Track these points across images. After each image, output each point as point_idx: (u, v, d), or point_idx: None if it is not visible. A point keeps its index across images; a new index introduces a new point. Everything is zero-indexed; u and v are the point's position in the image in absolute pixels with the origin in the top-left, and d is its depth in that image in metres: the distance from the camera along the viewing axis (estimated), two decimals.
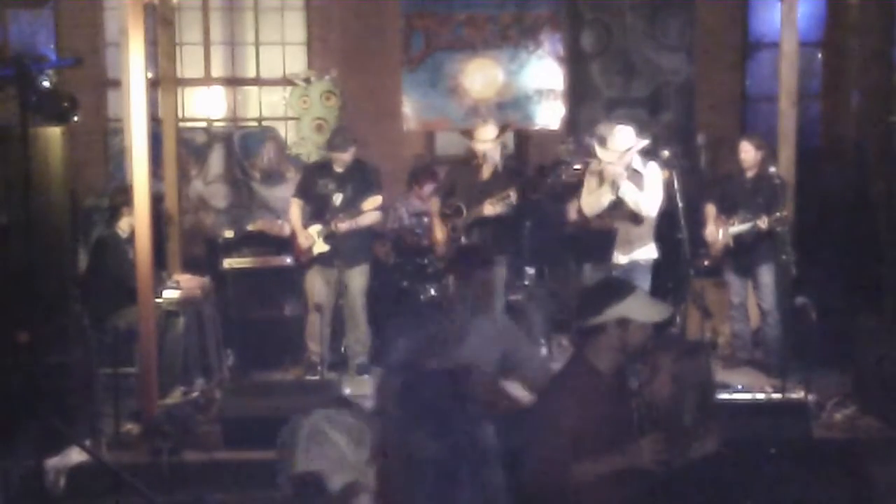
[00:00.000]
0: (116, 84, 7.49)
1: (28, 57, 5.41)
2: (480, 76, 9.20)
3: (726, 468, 3.99)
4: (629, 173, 6.52)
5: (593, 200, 6.70)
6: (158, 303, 6.43)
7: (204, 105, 9.50)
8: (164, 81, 7.60)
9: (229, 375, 7.09)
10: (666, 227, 6.87)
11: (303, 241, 7.07)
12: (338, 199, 7.02)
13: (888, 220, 8.13)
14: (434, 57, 9.18)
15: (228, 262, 7.78)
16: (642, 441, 3.46)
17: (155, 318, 6.15)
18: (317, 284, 7.10)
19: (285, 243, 7.73)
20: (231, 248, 7.98)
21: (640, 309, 3.58)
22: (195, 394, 6.55)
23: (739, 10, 9.61)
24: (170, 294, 6.69)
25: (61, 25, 9.01)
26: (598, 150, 6.64)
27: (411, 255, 7.80)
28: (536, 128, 9.32)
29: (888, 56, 9.07)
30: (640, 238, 6.66)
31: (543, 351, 7.08)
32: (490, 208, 6.83)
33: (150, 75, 6.11)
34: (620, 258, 6.70)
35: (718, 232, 7.14)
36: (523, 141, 9.57)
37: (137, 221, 5.91)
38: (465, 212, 6.99)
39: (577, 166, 7.41)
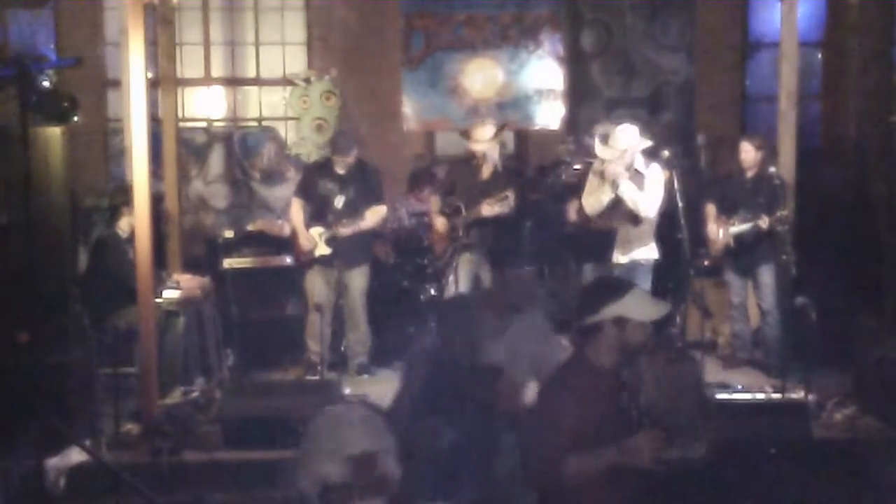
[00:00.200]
0: (116, 84, 7.50)
1: (28, 57, 5.43)
2: (480, 76, 9.20)
3: (716, 472, 3.98)
4: (631, 173, 6.52)
5: (594, 199, 6.71)
6: (158, 303, 6.42)
7: (204, 105, 9.50)
8: (164, 81, 7.59)
9: (229, 375, 7.09)
10: (666, 227, 6.87)
11: (305, 242, 7.07)
12: (339, 200, 7.02)
13: (888, 220, 8.14)
14: (434, 57, 9.18)
15: (228, 262, 7.78)
16: (637, 437, 3.44)
17: (155, 318, 6.14)
18: (317, 284, 7.11)
19: (285, 243, 7.73)
20: (231, 248, 7.99)
21: (638, 307, 3.58)
22: (195, 394, 6.54)
23: (739, 10, 9.61)
24: (170, 294, 6.68)
25: (61, 25, 9.01)
26: (599, 148, 6.64)
27: (411, 255, 7.81)
28: (536, 128, 9.33)
29: (888, 56, 9.08)
30: (640, 238, 6.66)
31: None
32: (488, 208, 6.84)
33: (150, 75, 6.10)
34: (620, 258, 6.71)
35: (719, 232, 7.14)
36: (523, 141, 9.58)
37: (137, 221, 5.91)
38: (464, 211, 7.00)
39: (577, 166, 7.42)
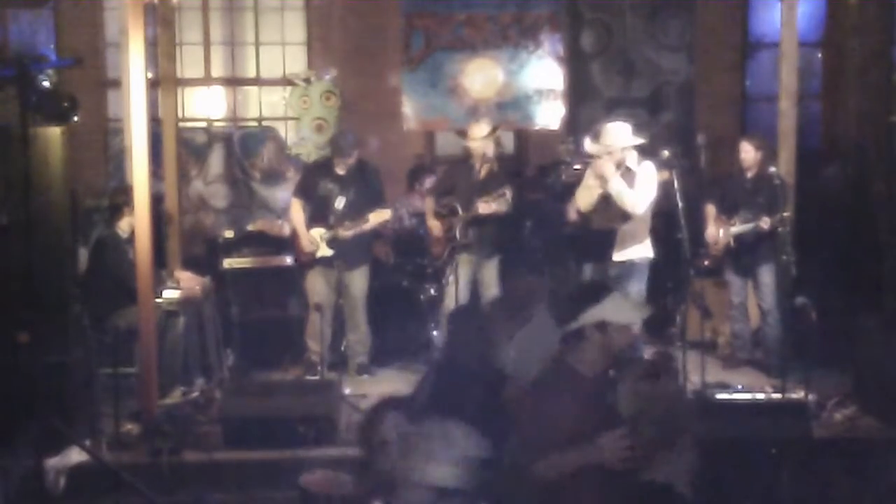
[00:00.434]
0: (116, 84, 7.50)
1: (28, 57, 5.42)
2: (480, 76, 9.20)
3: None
4: (622, 171, 6.49)
5: (586, 195, 6.68)
6: (158, 303, 6.43)
7: (204, 105, 9.50)
8: (164, 81, 7.59)
9: (229, 375, 7.09)
10: (666, 227, 6.87)
11: (306, 244, 7.07)
12: (340, 201, 7.02)
13: (888, 220, 8.13)
14: (434, 57, 9.18)
15: (228, 262, 7.78)
16: (603, 437, 3.40)
17: (155, 318, 6.15)
18: (317, 284, 7.11)
19: (285, 243, 7.73)
20: (231, 248, 7.99)
21: (618, 310, 3.57)
22: (195, 394, 6.54)
23: (739, 10, 9.61)
24: (170, 294, 6.69)
25: (61, 25, 9.00)
26: (589, 145, 6.65)
27: (411, 255, 7.81)
28: (536, 128, 9.32)
29: (888, 56, 9.07)
30: (633, 237, 6.59)
31: None
32: (485, 206, 6.84)
33: (150, 75, 6.10)
34: (615, 256, 6.68)
35: (719, 232, 7.14)
36: (523, 141, 9.58)
37: (137, 221, 5.91)
38: (460, 211, 7.01)
39: (577, 166, 7.41)
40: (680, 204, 6.38)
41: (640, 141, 6.60)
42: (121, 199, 6.55)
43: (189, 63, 9.26)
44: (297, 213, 7.17)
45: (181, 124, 8.54)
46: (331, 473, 4.66)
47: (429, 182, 7.98)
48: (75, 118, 5.73)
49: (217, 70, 9.46)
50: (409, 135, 9.31)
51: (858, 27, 9.16)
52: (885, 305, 7.44)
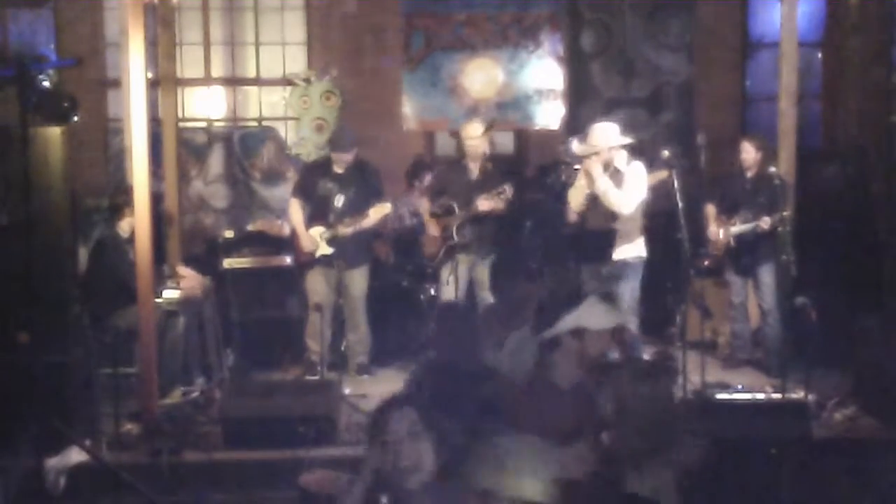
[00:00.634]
0: (116, 84, 7.50)
1: (28, 57, 5.43)
2: (480, 76, 9.20)
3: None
4: (611, 171, 6.49)
5: (575, 195, 6.67)
6: (158, 303, 6.43)
7: (204, 105, 9.50)
8: (164, 81, 7.59)
9: (229, 375, 7.09)
10: (666, 227, 6.86)
11: (306, 243, 7.06)
12: (339, 200, 7.02)
13: (888, 220, 8.13)
14: (434, 57, 9.18)
15: (228, 262, 7.78)
16: (569, 450, 3.39)
17: (155, 318, 6.15)
18: (317, 284, 7.10)
19: (285, 243, 7.73)
20: (231, 248, 7.99)
21: (593, 316, 3.57)
22: (195, 394, 6.55)
23: (739, 10, 9.60)
24: (170, 294, 6.69)
25: (61, 25, 9.00)
26: (577, 146, 6.65)
27: (411, 255, 7.80)
28: (536, 128, 9.32)
29: (888, 56, 9.07)
30: (626, 236, 6.56)
31: None
32: (485, 203, 6.85)
33: (150, 75, 6.10)
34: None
35: (719, 232, 7.15)
36: (523, 141, 9.58)
37: (137, 221, 5.91)
38: (456, 210, 7.01)
39: (577, 166, 7.40)
40: (680, 204, 6.37)
41: (627, 141, 6.59)
42: (121, 199, 6.55)
43: (189, 63, 9.26)
44: (296, 212, 7.17)
45: (181, 124, 8.54)
46: (331, 473, 4.66)
47: (428, 179, 7.97)
48: (75, 118, 5.74)
49: (217, 70, 9.45)
50: (409, 135, 9.31)
51: (858, 27, 9.15)
52: (885, 305, 7.44)
